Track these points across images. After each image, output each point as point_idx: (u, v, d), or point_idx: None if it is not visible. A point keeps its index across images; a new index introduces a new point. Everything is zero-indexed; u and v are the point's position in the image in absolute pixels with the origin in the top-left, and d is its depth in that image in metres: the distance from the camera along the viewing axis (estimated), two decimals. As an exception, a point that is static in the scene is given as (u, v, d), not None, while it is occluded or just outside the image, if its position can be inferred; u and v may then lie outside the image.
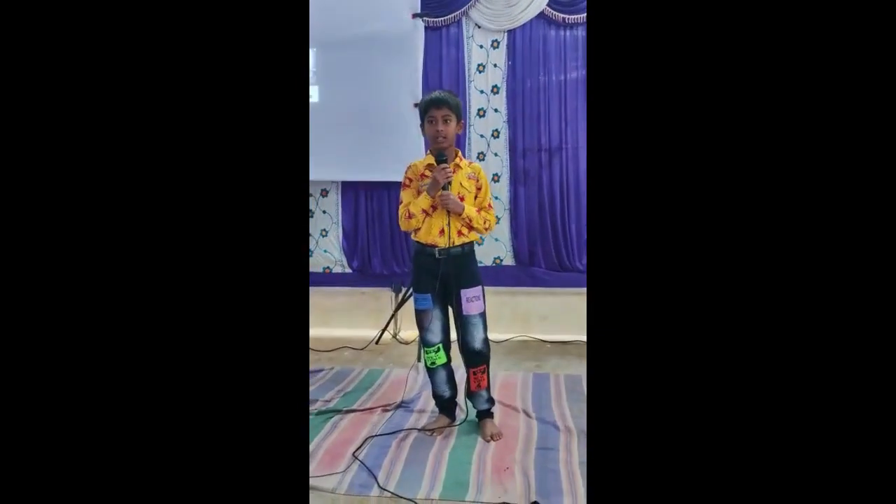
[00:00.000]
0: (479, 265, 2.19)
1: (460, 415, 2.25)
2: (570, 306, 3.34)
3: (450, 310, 2.14)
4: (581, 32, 3.26)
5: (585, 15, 3.16)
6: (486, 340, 2.11)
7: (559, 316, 3.38)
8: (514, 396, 2.48)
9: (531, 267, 3.44)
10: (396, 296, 3.49)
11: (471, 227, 2.07)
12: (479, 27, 3.34)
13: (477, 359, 2.11)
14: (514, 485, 1.77)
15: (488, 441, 2.06)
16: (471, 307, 2.06)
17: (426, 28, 3.27)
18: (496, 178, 3.38)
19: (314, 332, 3.17)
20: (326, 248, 3.67)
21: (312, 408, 2.38)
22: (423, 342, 2.13)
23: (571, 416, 2.27)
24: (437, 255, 2.04)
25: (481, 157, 3.39)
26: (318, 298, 3.28)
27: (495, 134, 3.39)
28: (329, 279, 3.65)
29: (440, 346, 2.11)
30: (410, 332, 3.32)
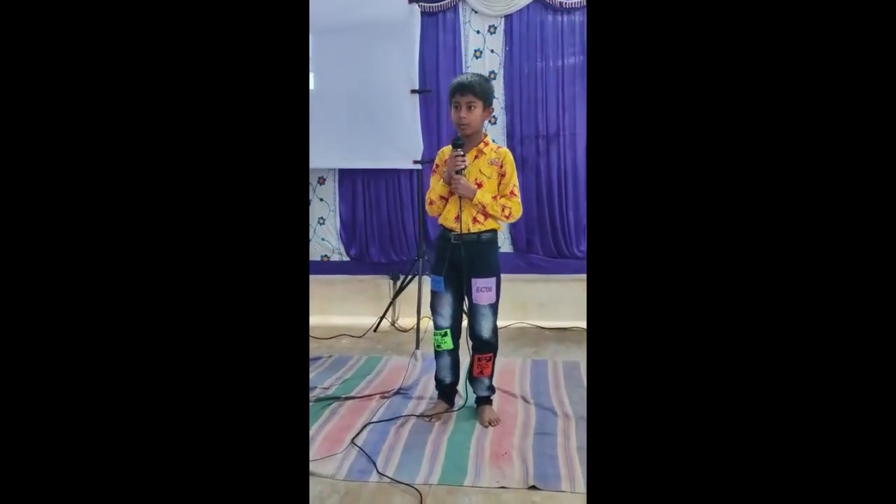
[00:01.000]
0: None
1: (459, 401, 2.26)
2: (568, 293, 3.35)
3: (464, 296, 2.13)
4: (578, 17, 3.23)
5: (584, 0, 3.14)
6: (494, 331, 2.11)
7: (557, 303, 3.39)
8: (513, 383, 2.49)
9: (529, 254, 3.44)
10: (395, 283, 3.49)
11: (486, 215, 2.03)
12: (476, 12, 3.32)
13: (484, 347, 2.11)
14: (512, 470, 1.78)
15: (486, 427, 2.07)
16: (480, 297, 2.05)
17: (422, 13, 3.24)
18: (494, 164, 3.37)
19: (312, 320, 3.18)
20: (324, 236, 3.66)
21: (311, 395, 2.39)
22: (434, 324, 2.14)
23: (569, 401, 2.28)
24: (452, 240, 2.03)
25: (479, 143, 3.38)
26: (316, 287, 3.28)
27: (493, 120, 3.38)
28: (327, 267, 3.65)
29: (448, 330, 2.12)
30: (409, 319, 3.33)
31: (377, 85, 3.26)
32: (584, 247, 3.38)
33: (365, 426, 2.09)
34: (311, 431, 2.06)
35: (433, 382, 2.26)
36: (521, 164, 3.34)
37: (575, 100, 3.28)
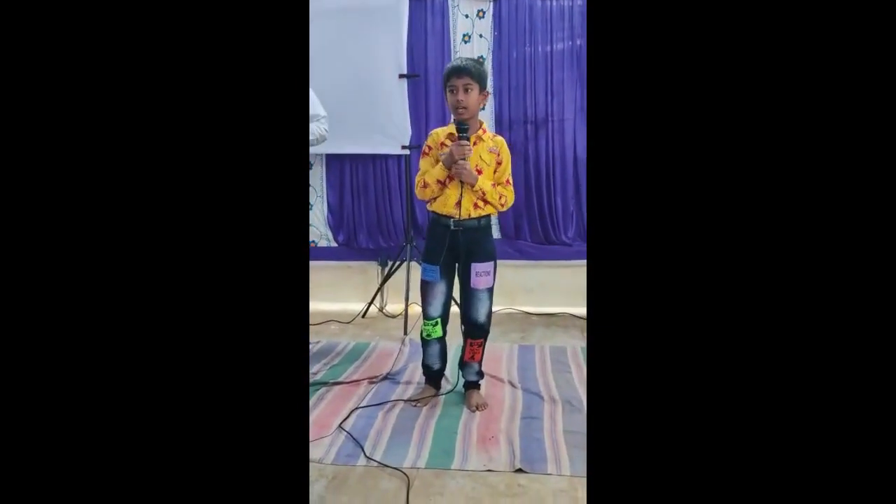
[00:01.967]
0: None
1: (447, 386, 2.27)
2: (556, 279, 3.37)
3: (455, 284, 2.13)
4: (567, 2, 3.21)
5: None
6: (489, 315, 2.11)
7: (545, 289, 3.40)
8: (500, 368, 2.50)
9: (517, 240, 3.44)
10: (383, 269, 3.49)
11: (485, 202, 2.02)
12: (465, -4, 3.28)
13: (477, 332, 2.12)
14: (499, 453, 1.79)
15: (474, 411, 2.08)
16: (479, 281, 2.05)
17: (410, -3, 3.21)
18: (482, 150, 3.36)
19: (300, 306, 3.16)
20: (312, 221, 3.64)
21: (299, 380, 2.39)
22: (424, 314, 2.12)
23: (556, 386, 2.30)
24: (451, 227, 2.01)
25: (467, 129, 3.37)
26: (304, 272, 3.26)
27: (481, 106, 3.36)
28: (315, 253, 3.63)
29: (439, 320, 2.12)
30: (397, 305, 3.33)
31: (365, 69, 3.23)
32: (571, 233, 3.39)
33: (353, 411, 2.09)
34: (299, 416, 2.06)
35: (421, 368, 2.27)
36: (510, 150, 3.32)
37: (563, 85, 3.26)
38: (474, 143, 2.00)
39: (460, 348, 2.21)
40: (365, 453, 1.80)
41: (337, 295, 3.57)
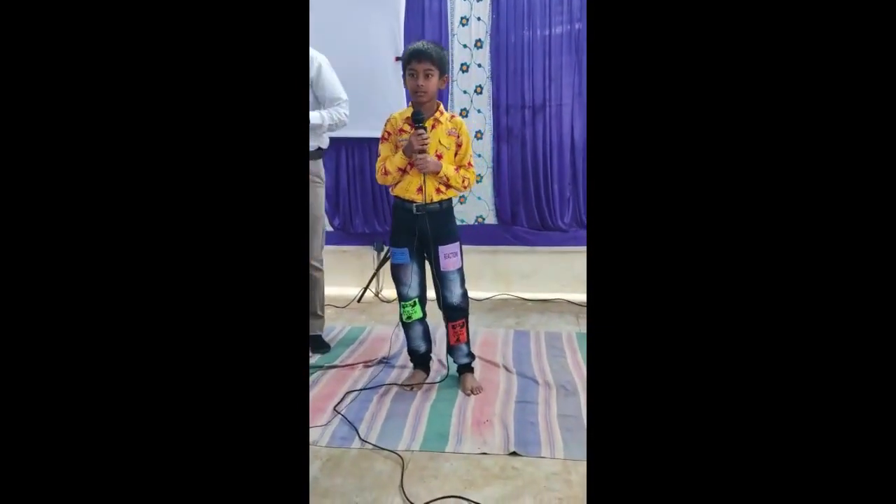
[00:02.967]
0: (462, 224, 2.19)
1: (441, 370, 2.28)
2: (552, 265, 3.37)
3: (427, 265, 2.14)
4: (567, -15, 3.18)
5: (572, -33, 3.08)
6: (464, 295, 2.13)
7: (540, 274, 3.40)
8: (495, 352, 2.51)
9: (513, 226, 3.43)
10: (378, 254, 3.48)
11: (448, 186, 2.04)
12: (463, -22, 3.25)
13: (456, 313, 2.13)
14: (493, 436, 1.80)
15: (468, 395, 2.09)
16: (448, 263, 2.07)
17: (408, -22, 3.17)
18: (479, 135, 3.33)
19: (295, 290, 3.16)
20: (307, 206, 3.63)
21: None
22: (400, 296, 2.13)
23: (550, 370, 2.31)
24: (414, 211, 2.02)
25: (464, 113, 3.34)
26: (300, 256, 3.25)
27: (478, 90, 3.33)
28: (310, 237, 3.62)
29: (416, 300, 2.13)
30: (392, 290, 3.32)
31: (361, 52, 3.19)
32: (568, 219, 3.38)
33: (347, 394, 2.10)
34: (294, 399, 2.07)
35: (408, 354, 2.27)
36: (507, 135, 3.32)
37: (562, 70, 3.24)
38: (432, 127, 1.99)
39: (446, 336, 2.22)
40: (360, 436, 1.81)
41: (333, 279, 3.54)
